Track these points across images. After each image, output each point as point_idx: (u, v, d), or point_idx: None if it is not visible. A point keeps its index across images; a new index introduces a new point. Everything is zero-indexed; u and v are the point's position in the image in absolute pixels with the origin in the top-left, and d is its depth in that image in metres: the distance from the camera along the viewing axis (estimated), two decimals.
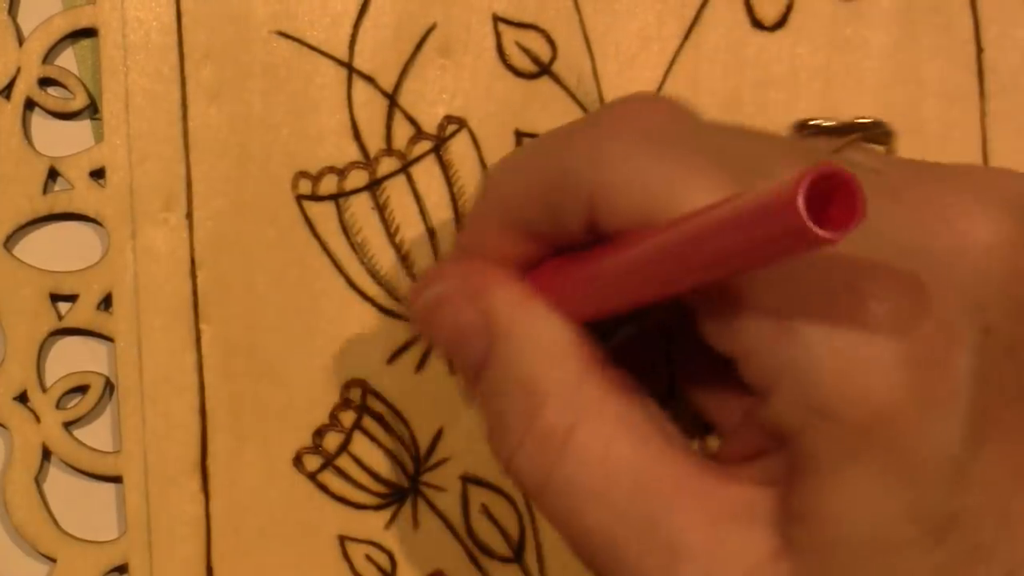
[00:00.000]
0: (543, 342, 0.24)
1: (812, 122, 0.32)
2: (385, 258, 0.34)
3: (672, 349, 0.27)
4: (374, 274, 0.34)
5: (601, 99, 0.34)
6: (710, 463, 0.23)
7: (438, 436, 0.34)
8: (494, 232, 0.25)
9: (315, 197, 0.34)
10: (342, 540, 0.34)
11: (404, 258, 0.34)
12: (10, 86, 0.34)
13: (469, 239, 0.26)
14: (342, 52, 0.34)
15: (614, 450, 0.23)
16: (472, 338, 0.24)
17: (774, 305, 0.21)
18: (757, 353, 0.21)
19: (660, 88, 0.34)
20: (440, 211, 0.34)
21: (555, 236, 0.24)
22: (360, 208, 0.34)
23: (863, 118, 0.33)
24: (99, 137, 0.35)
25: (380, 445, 0.34)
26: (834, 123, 0.32)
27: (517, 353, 0.24)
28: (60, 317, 0.35)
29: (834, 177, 0.18)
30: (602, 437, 0.23)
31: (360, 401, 0.34)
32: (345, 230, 0.34)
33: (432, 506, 0.34)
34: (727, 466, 0.23)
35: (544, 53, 0.34)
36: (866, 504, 0.21)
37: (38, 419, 0.34)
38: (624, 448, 0.23)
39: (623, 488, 0.22)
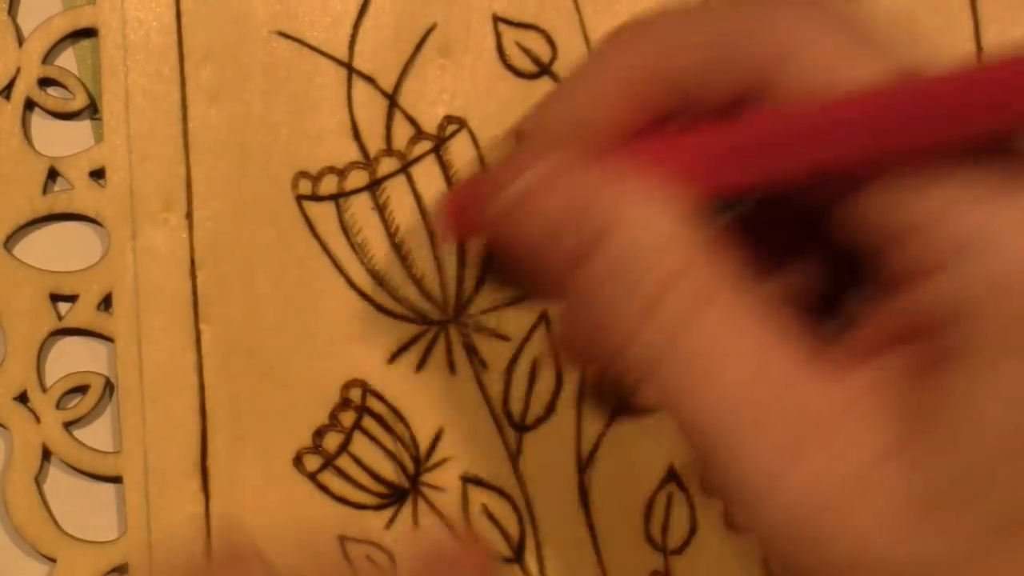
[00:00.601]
0: (662, 224, 0.22)
1: None
2: (385, 258, 0.34)
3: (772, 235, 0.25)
4: (374, 274, 0.34)
5: None
6: (826, 354, 0.22)
7: (438, 436, 0.34)
8: (612, 96, 0.23)
9: (315, 197, 0.34)
10: (342, 540, 0.34)
11: (404, 258, 0.34)
12: (10, 86, 0.34)
13: (572, 109, 0.24)
14: (342, 52, 0.34)
15: (736, 336, 0.22)
16: (580, 221, 0.23)
17: (960, 176, 0.20)
18: (934, 224, 0.20)
19: None
20: None
21: (695, 100, 0.23)
22: (360, 208, 0.34)
23: None
24: (99, 137, 0.35)
25: (380, 445, 0.34)
26: None
27: (634, 236, 0.22)
28: (60, 317, 0.34)
29: None
30: (724, 323, 0.22)
31: (360, 401, 0.34)
32: (345, 230, 0.34)
33: (432, 506, 0.34)
34: (843, 359, 0.22)
35: (544, 53, 0.34)
36: (1020, 403, 0.20)
37: (38, 419, 0.34)
38: (746, 334, 0.22)
39: (742, 375, 0.21)
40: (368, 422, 0.34)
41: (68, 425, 0.35)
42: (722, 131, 0.23)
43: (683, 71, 0.23)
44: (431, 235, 0.34)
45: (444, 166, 0.34)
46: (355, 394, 0.34)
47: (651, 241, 0.22)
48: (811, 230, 0.24)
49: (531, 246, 0.23)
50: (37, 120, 0.35)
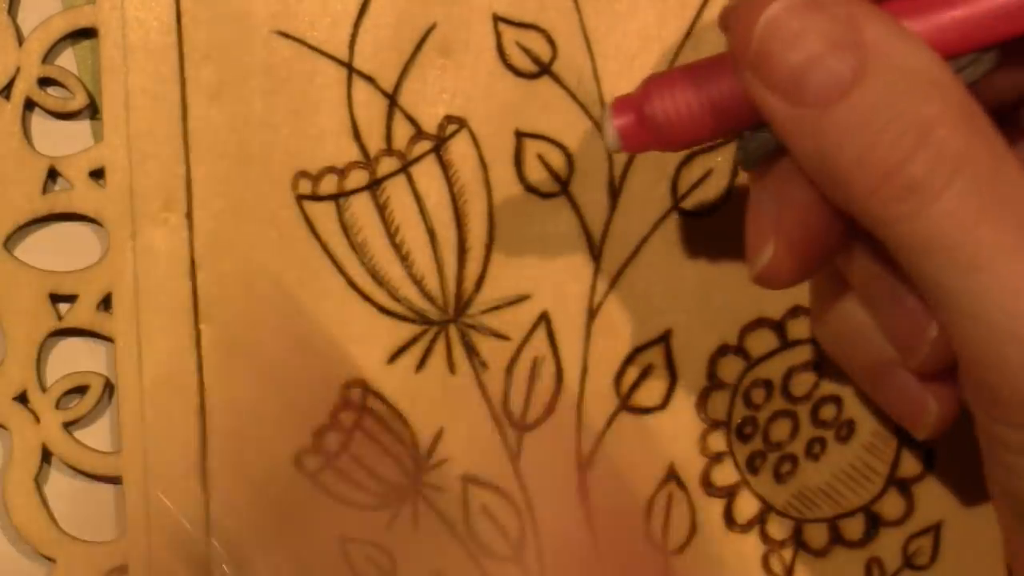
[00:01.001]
0: (924, 70, 0.22)
1: None
2: (385, 258, 0.34)
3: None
4: (374, 274, 0.34)
5: (601, 99, 0.34)
6: None
7: (438, 436, 0.34)
8: None
9: (315, 197, 0.34)
10: (343, 541, 0.34)
11: (404, 258, 0.34)
12: (9, 86, 0.34)
13: None
14: (342, 52, 0.34)
15: (1003, 182, 0.21)
16: (841, 55, 0.22)
17: None
18: None
19: None
20: (440, 211, 0.34)
21: None
22: (360, 208, 0.34)
23: None
24: (99, 137, 0.34)
25: (380, 445, 0.34)
26: None
27: (895, 78, 0.22)
28: (60, 317, 0.34)
29: None
30: (989, 171, 0.22)
31: (360, 401, 0.34)
32: (345, 230, 0.34)
33: (432, 506, 0.34)
34: None
35: (544, 53, 0.34)
36: None
37: (38, 419, 0.34)
38: (1015, 181, 0.22)
39: (1012, 223, 0.21)
40: (368, 422, 0.34)
41: (68, 425, 0.35)
42: None
43: None
44: (431, 235, 0.34)
45: (444, 166, 0.34)
46: (355, 394, 0.34)
47: (911, 86, 0.22)
48: None
49: (782, 79, 0.22)
50: (37, 120, 0.35)
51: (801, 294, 0.34)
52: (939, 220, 0.22)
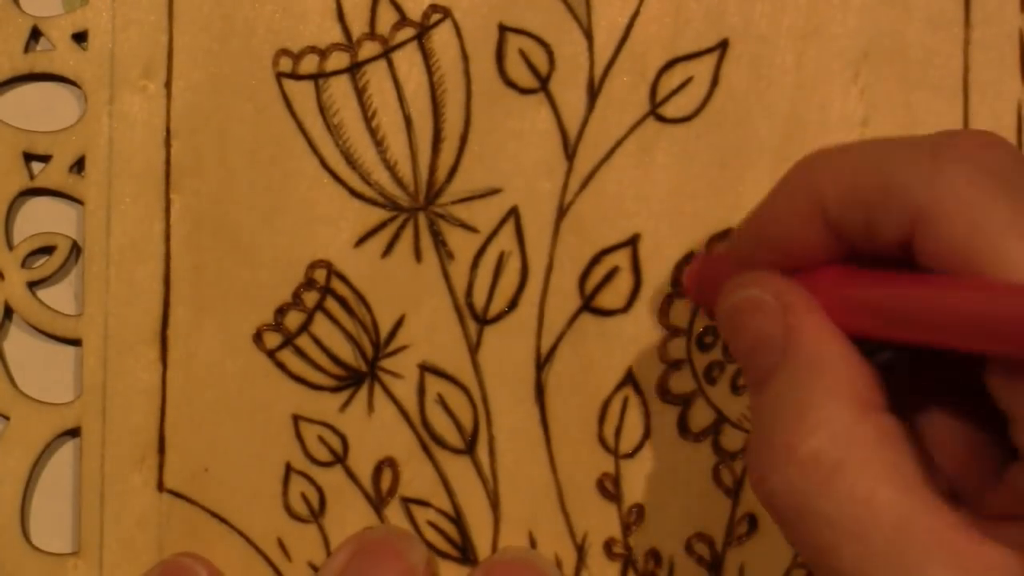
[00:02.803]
0: (830, 371, 0.24)
1: None
2: (360, 142, 0.34)
3: (921, 386, 0.27)
4: (348, 157, 0.34)
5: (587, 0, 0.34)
6: (967, 517, 0.23)
7: (399, 323, 0.34)
8: (798, 221, 0.25)
9: (295, 76, 0.34)
10: (296, 419, 0.34)
11: (379, 143, 0.34)
12: None
13: (765, 225, 0.26)
14: None
15: (880, 494, 0.23)
16: (767, 349, 0.25)
17: None
18: None
19: None
20: (418, 99, 0.34)
21: (862, 241, 0.25)
22: (339, 90, 0.34)
23: None
24: (84, 0, 0.35)
25: (341, 328, 0.34)
26: None
27: (802, 375, 0.24)
28: (32, 177, 0.35)
29: None
30: (869, 479, 0.23)
31: (324, 282, 0.34)
32: (322, 111, 0.34)
33: (388, 392, 0.34)
34: (983, 522, 0.23)
35: None
36: None
37: (2, 276, 0.34)
38: (889, 493, 0.23)
39: (883, 534, 0.22)
40: (331, 304, 0.34)
41: (32, 285, 0.35)
42: (868, 277, 0.25)
43: (840, 214, 0.25)
44: (408, 122, 0.34)
45: (426, 54, 0.34)
46: (320, 275, 0.34)
47: (813, 384, 0.24)
48: (964, 378, 0.25)
49: (739, 349, 0.26)
50: None
51: None
52: (806, 530, 0.24)
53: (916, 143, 0.24)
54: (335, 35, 0.34)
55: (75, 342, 0.35)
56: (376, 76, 0.34)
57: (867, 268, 0.25)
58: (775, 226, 0.26)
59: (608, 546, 0.34)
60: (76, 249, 0.35)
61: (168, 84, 0.34)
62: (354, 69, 0.34)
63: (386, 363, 0.34)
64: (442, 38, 0.34)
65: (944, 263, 0.23)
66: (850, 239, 0.25)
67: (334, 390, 0.34)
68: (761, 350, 0.25)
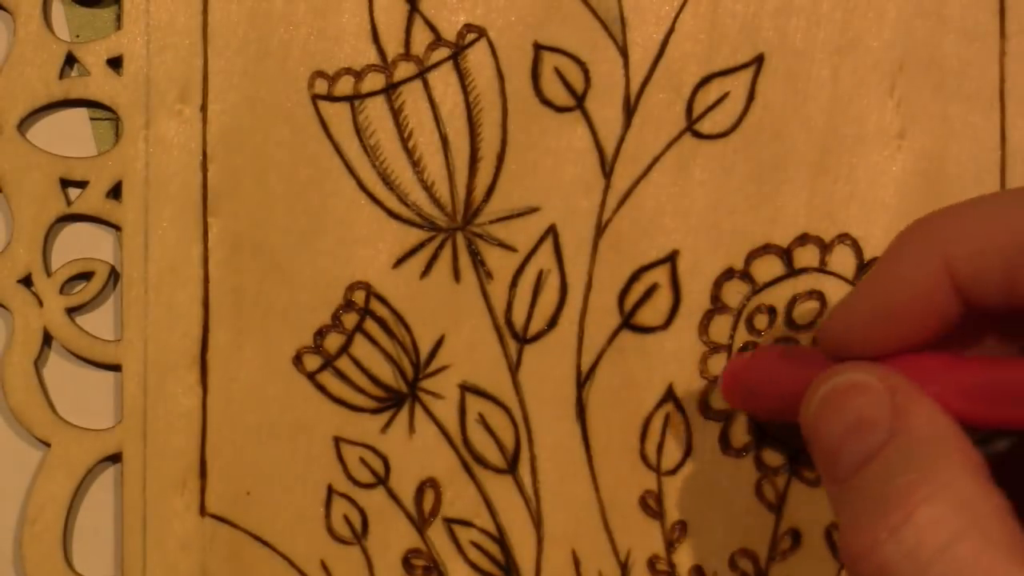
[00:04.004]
0: (947, 443, 0.24)
1: None
2: (397, 162, 0.34)
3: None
4: (385, 177, 0.34)
5: (622, 16, 0.34)
6: None
7: (439, 343, 0.34)
8: (923, 287, 0.25)
9: (330, 98, 0.34)
10: (337, 441, 0.34)
11: (416, 163, 0.34)
12: None
13: (883, 295, 0.26)
14: None
15: (999, 567, 0.22)
16: (871, 430, 0.25)
17: None
18: None
19: (681, 9, 0.34)
20: (454, 119, 0.34)
21: (997, 300, 0.24)
22: (375, 111, 0.34)
23: None
24: (118, 25, 0.34)
25: (381, 349, 0.34)
26: None
27: (916, 448, 0.24)
28: (69, 203, 0.34)
29: None
30: (983, 555, 0.23)
31: (363, 304, 0.34)
32: (359, 132, 0.34)
33: (429, 413, 0.34)
34: None
35: None
36: None
37: (41, 303, 0.34)
38: (1010, 568, 0.22)
39: None
40: (370, 325, 0.34)
41: (71, 311, 0.35)
42: (994, 364, 0.25)
43: (985, 265, 0.24)
44: (444, 142, 0.34)
45: (461, 74, 0.34)
46: (359, 296, 0.34)
47: (927, 456, 0.24)
48: None
49: (826, 440, 0.26)
50: (58, 4, 0.35)
51: (810, 223, 0.34)
52: None
53: None
54: (370, 56, 0.34)
55: (115, 367, 0.35)
56: (412, 96, 0.34)
57: (957, 355, 0.25)
58: (896, 295, 0.25)
59: (652, 563, 0.34)
60: (114, 274, 0.35)
61: (204, 107, 0.34)
62: (390, 90, 0.34)
63: (426, 383, 0.34)
64: (477, 57, 0.34)
65: None
66: (981, 301, 0.25)
67: (375, 411, 0.34)
68: (863, 432, 0.25)
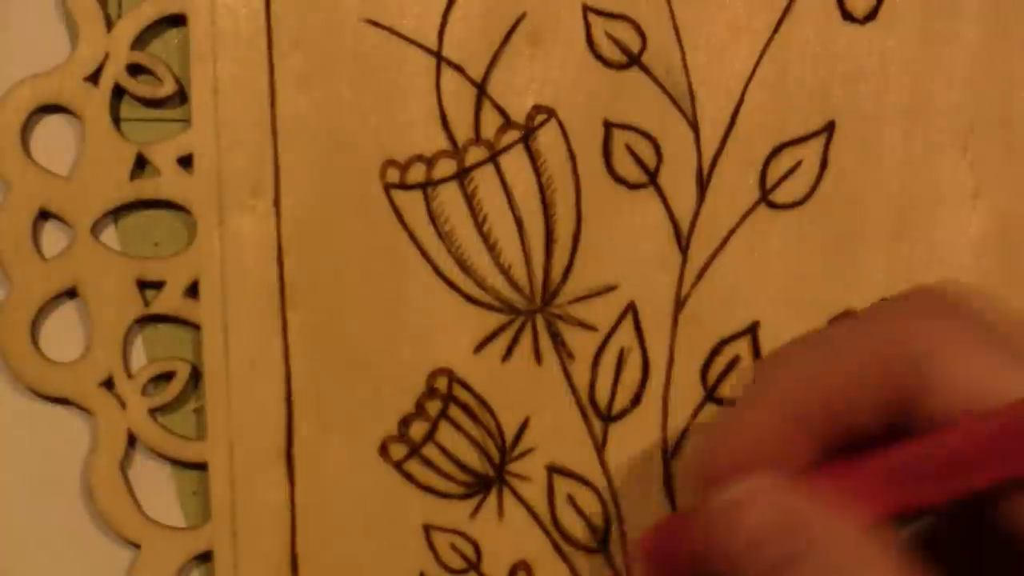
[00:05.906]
0: (857, 550, 0.23)
1: None
2: (473, 247, 0.34)
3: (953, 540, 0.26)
4: (461, 263, 0.34)
5: (691, 90, 0.34)
6: None
7: (524, 426, 0.34)
8: (775, 429, 0.24)
9: (403, 186, 0.34)
10: (427, 529, 0.34)
11: (492, 247, 0.34)
12: (98, 72, 0.34)
13: (742, 439, 0.25)
14: (431, 41, 0.34)
15: None
16: (778, 538, 0.24)
17: None
18: None
19: (749, 80, 0.34)
20: (528, 201, 0.34)
21: (847, 429, 0.24)
22: (448, 197, 0.34)
23: None
24: (187, 124, 0.34)
25: (466, 434, 0.34)
26: None
27: (827, 558, 0.23)
28: (146, 303, 0.34)
29: None
30: None
31: (446, 390, 0.34)
32: (433, 219, 0.34)
33: (517, 496, 0.34)
34: None
35: (634, 43, 0.34)
36: None
37: (124, 405, 0.34)
38: None
39: None
40: (454, 411, 0.34)
41: (154, 411, 0.35)
42: (888, 455, 0.24)
43: (832, 402, 0.24)
44: (519, 224, 0.34)
45: (532, 155, 0.34)
46: (441, 383, 0.34)
47: (846, 562, 0.23)
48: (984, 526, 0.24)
49: (732, 556, 0.24)
50: (125, 107, 0.35)
51: (889, 288, 0.34)
52: None
53: (884, 311, 0.24)
54: (441, 142, 0.34)
55: (201, 466, 0.35)
56: (484, 180, 0.34)
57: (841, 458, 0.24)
58: (752, 436, 0.25)
59: None
60: (195, 373, 0.35)
61: (277, 202, 0.34)
62: (462, 175, 0.34)
63: (513, 467, 0.34)
64: (548, 138, 0.34)
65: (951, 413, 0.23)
66: (830, 434, 0.24)
67: (463, 497, 0.34)
68: (770, 540, 0.24)
